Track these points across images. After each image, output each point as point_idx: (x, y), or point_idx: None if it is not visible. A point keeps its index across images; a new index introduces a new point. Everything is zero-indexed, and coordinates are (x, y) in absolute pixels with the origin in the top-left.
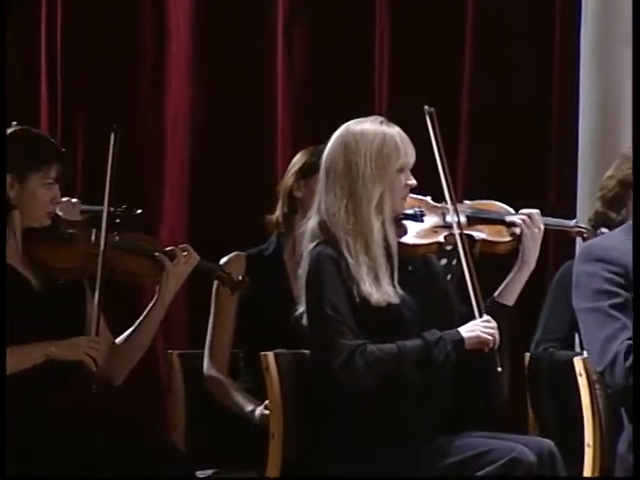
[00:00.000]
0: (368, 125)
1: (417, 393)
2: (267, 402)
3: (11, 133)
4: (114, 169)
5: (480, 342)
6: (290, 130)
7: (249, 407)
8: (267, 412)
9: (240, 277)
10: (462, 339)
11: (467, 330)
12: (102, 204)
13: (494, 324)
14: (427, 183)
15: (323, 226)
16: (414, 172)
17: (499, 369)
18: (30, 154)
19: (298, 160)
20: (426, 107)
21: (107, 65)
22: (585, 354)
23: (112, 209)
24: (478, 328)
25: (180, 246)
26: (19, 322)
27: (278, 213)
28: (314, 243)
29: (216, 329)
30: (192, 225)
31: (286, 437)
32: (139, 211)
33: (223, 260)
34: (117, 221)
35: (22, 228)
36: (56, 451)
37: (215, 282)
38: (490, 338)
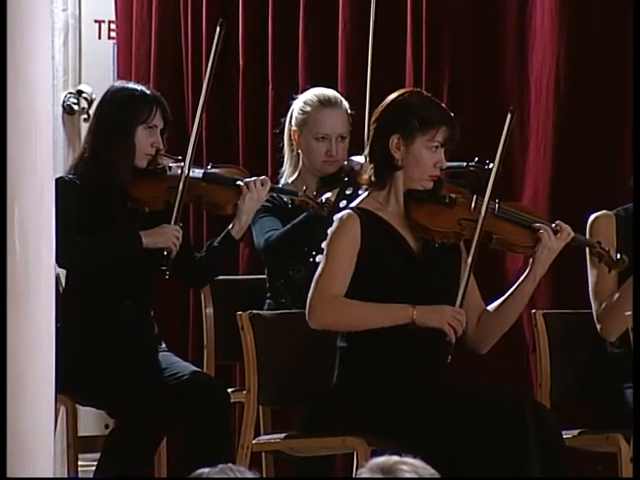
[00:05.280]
0: None
1: None
2: None
3: (402, 94)
4: (505, 149)
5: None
6: None
7: None
8: None
9: (619, 255)
10: None
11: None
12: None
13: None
14: None
15: None
16: None
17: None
18: (418, 117)
19: None
20: None
21: (468, 24)
22: None
23: (465, 164)
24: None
25: (554, 223)
26: (396, 281)
27: None
28: None
29: (595, 289)
30: (555, 181)
31: None
32: (491, 165)
33: (591, 217)
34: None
35: (404, 189)
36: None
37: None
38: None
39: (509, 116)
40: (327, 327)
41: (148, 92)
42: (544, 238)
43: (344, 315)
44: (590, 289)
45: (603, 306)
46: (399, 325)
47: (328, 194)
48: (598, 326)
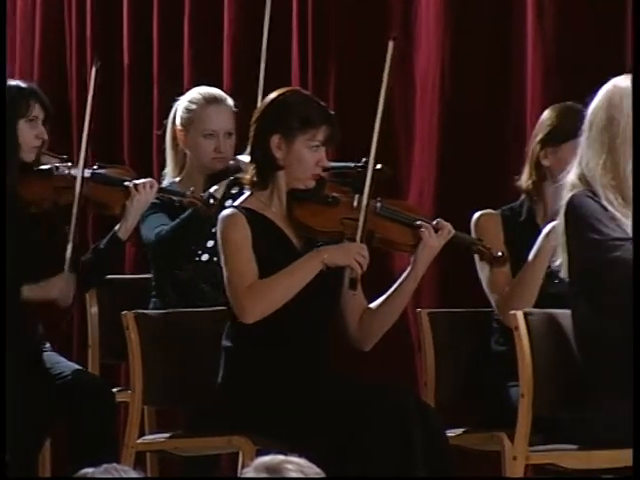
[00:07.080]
0: None
1: None
2: None
3: (282, 94)
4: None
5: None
6: (540, 88)
7: None
8: None
9: (499, 253)
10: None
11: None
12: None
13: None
14: None
15: (582, 179)
16: None
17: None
18: (298, 116)
19: (543, 127)
20: None
21: (354, 23)
22: None
23: (352, 164)
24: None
25: (435, 221)
26: None
27: (527, 180)
28: (572, 192)
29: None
30: (440, 182)
31: (535, 397)
32: (379, 166)
33: (475, 215)
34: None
35: (287, 189)
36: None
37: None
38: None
39: (391, 43)
40: (263, 314)
41: (24, 86)
42: (425, 236)
43: (269, 294)
44: (484, 283)
45: (502, 296)
46: (282, 319)
47: (215, 187)
48: (500, 316)
